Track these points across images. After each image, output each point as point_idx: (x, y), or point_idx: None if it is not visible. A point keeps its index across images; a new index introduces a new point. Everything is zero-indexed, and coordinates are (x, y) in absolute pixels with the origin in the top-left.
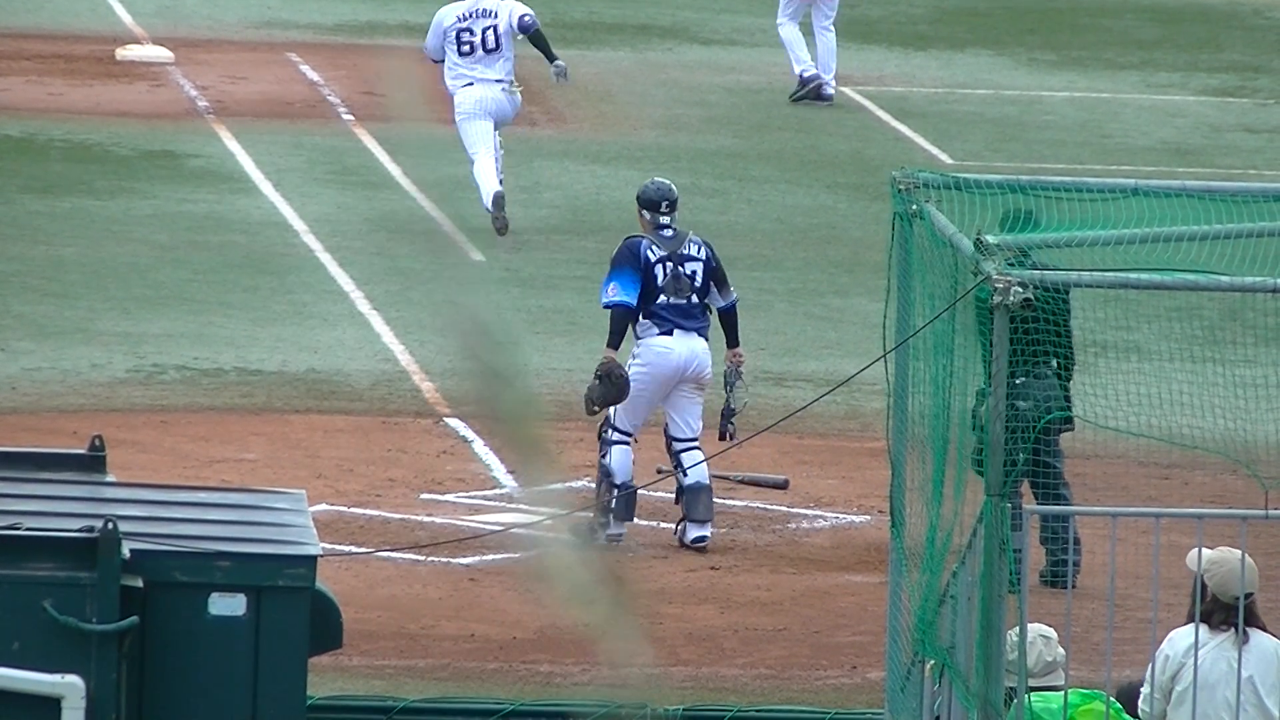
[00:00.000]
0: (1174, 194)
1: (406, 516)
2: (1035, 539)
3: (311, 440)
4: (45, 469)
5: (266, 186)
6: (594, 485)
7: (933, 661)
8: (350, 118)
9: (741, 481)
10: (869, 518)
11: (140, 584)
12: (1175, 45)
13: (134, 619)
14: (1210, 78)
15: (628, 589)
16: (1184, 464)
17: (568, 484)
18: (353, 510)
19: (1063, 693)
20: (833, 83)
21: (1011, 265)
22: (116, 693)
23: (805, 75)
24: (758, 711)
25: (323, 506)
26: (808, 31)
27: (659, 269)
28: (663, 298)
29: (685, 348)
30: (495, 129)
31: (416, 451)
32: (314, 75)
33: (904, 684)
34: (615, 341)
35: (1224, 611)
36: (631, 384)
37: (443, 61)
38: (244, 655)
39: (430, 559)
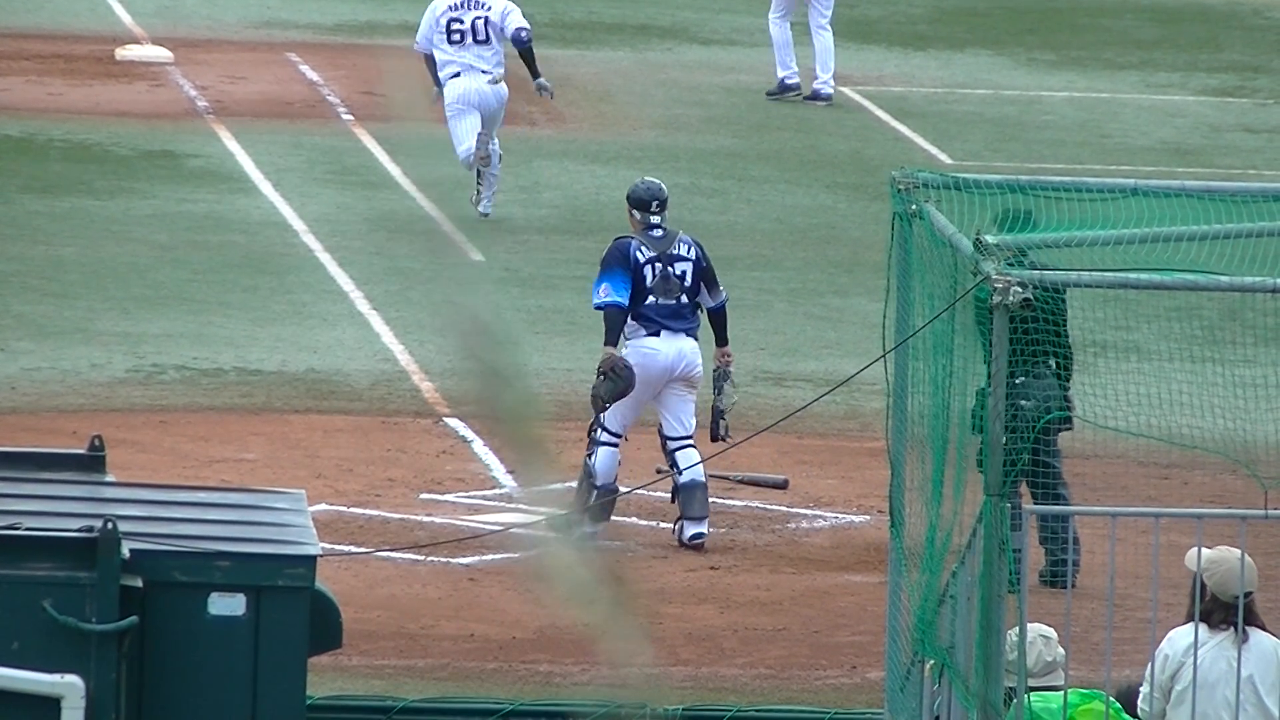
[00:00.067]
0: (1173, 194)
1: (406, 516)
2: (1034, 539)
3: (311, 440)
4: (45, 469)
5: (266, 186)
6: (575, 483)
7: (932, 661)
8: (350, 118)
9: (741, 481)
10: (868, 518)
11: (140, 584)
12: (1175, 45)
13: (133, 619)
14: (1210, 78)
15: (627, 589)
16: (1183, 464)
17: (567, 484)
18: (352, 510)
19: (1062, 693)
20: (831, 82)
21: (1011, 265)
22: (116, 693)
23: (786, 81)
24: (757, 711)
25: (322, 506)
26: (804, 31)
27: (648, 270)
28: (651, 299)
29: (673, 348)
30: (486, 124)
31: (416, 451)
32: (313, 75)
33: (903, 684)
34: (612, 339)
35: (1223, 611)
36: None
37: (430, 56)
38: (243, 655)
39: (430, 559)
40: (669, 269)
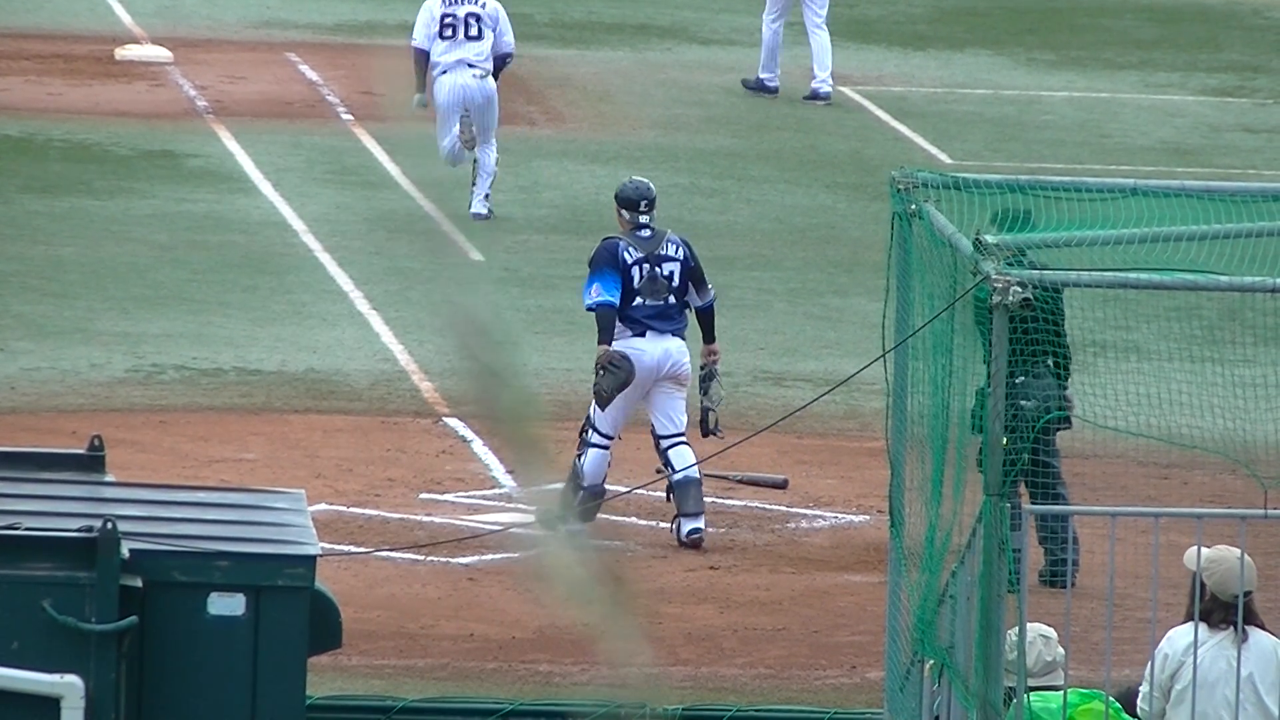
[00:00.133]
0: (1173, 194)
1: (406, 516)
2: (1034, 539)
3: (310, 440)
4: (44, 469)
5: (265, 186)
6: (564, 482)
7: (932, 661)
8: (349, 117)
9: (741, 481)
10: (868, 517)
11: (139, 584)
12: (1174, 45)
13: (133, 619)
14: (1209, 77)
15: (627, 589)
16: (1183, 464)
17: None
18: (352, 510)
19: (1062, 692)
20: (829, 81)
21: (1010, 265)
22: (115, 692)
23: (767, 83)
24: (757, 711)
25: (322, 506)
26: (800, 31)
27: (635, 271)
28: (639, 300)
29: (658, 349)
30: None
31: (415, 451)
32: (313, 75)
33: (903, 684)
34: (606, 338)
35: (1223, 610)
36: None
37: (424, 54)
38: (243, 655)
39: (429, 559)
40: (656, 270)
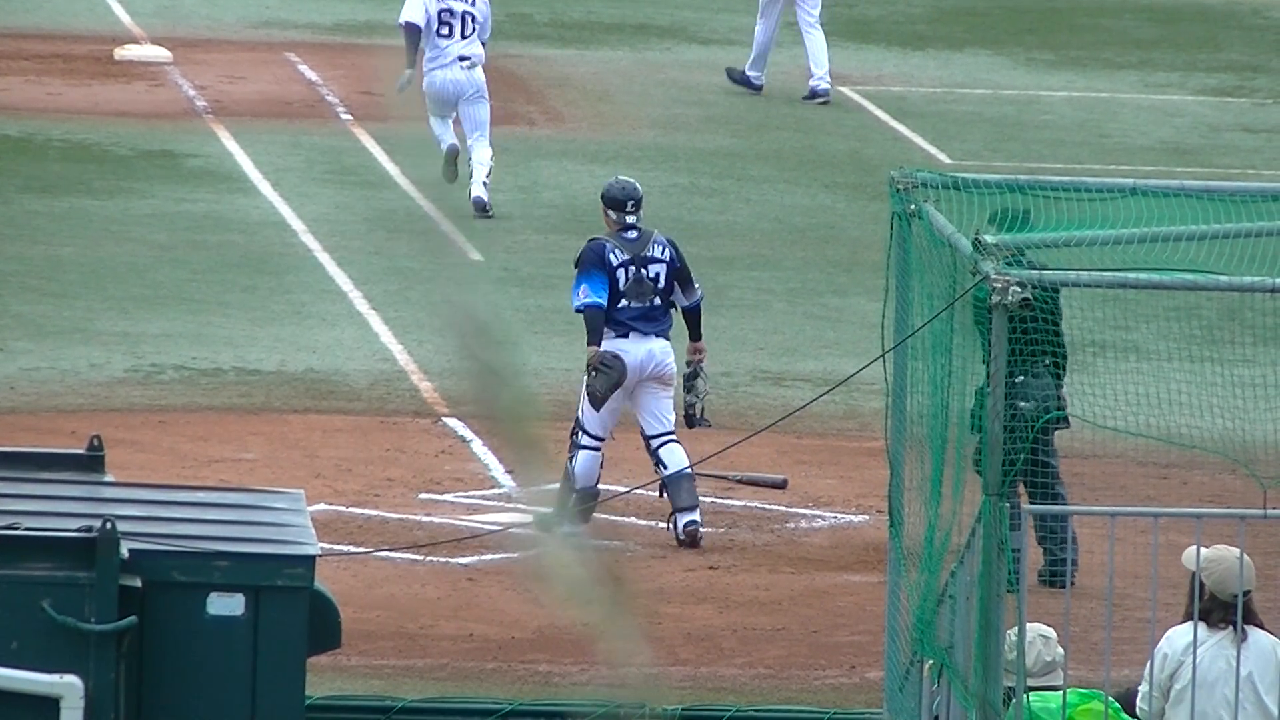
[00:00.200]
0: (1172, 194)
1: (405, 516)
2: (1032, 538)
3: (310, 440)
4: (44, 469)
5: (265, 186)
6: (558, 485)
7: (931, 661)
8: (349, 117)
9: (740, 481)
10: (867, 517)
11: (139, 584)
12: (1174, 45)
13: (132, 619)
14: (1209, 77)
15: (626, 589)
16: (1182, 463)
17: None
18: (351, 510)
19: (1061, 692)
20: (827, 78)
21: (1009, 265)
22: (115, 692)
23: (754, 80)
24: (756, 711)
25: (321, 506)
26: (796, 33)
27: (621, 273)
28: (624, 302)
29: (641, 349)
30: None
31: (415, 451)
32: (312, 75)
33: (903, 684)
34: (595, 340)
35: (1222, 609)
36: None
37: (414, 29)
38: (242, 655)
39: (429, 559)
40: (642, 272)
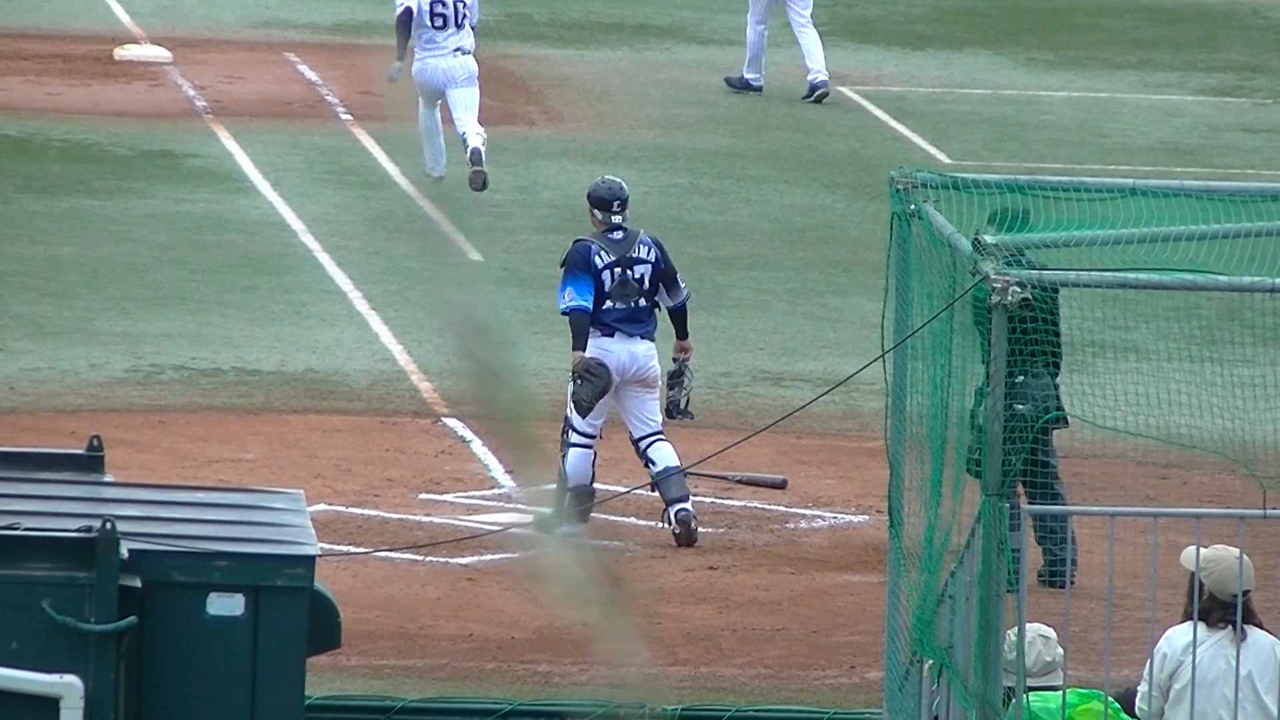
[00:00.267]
0: (1172, 194)
1: (405, 516)
2: (1032, 538)
3: (310, 440)
4: (43, 469)
5: (264, 186)
6: (554, 485)
7: (931, 661)
8: (348, 117)
9: (739, 481)
10: (867, 517)
11: (138, 584)
12: (1173, 45)
13: (132, 619)
14: (1208, 77)
15: (625, 589)
16: (1182, 463)
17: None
18: (351, 510)
19: (1061, 692)
20: (824, 71)
21: (1009, 265)
22: (114, 693)
23: (752, 82)
24: (756, 711)
25: (321, 506)
26: (789, 34)
27: (606, 275)
28: (609, 303)
29: (624, 350)
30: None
31: (415, 451)
32: (312, 75)
33: (902, 684)
34: (580, 344)
35: (1221, 609)
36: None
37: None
38: (242, 655)
39: (428, 559)
40: (628, 273)
